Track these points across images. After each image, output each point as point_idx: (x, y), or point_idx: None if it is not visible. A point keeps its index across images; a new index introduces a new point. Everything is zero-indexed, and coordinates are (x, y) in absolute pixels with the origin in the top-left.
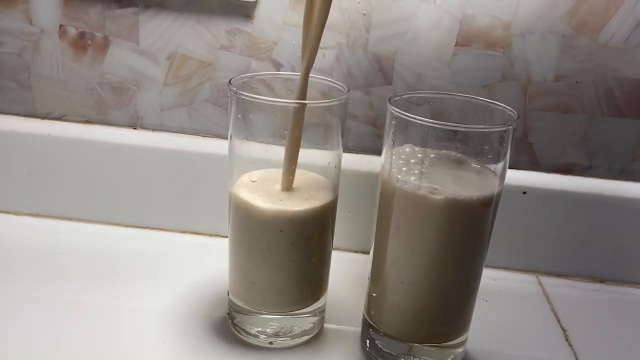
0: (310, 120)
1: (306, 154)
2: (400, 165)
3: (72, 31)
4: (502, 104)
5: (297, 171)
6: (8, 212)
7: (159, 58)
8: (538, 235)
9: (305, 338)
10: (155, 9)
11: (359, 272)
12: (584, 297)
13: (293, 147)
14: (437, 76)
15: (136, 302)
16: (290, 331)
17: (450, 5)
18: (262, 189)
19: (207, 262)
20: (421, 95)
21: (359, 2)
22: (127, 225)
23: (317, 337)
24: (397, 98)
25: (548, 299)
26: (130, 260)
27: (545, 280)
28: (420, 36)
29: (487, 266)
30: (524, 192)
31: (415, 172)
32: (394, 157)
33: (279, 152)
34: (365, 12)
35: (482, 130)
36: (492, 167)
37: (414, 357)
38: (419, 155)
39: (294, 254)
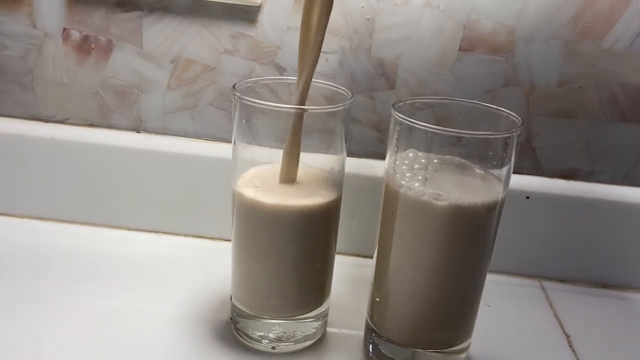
0: (314, 125)
1: (310, 159)
2: (404, 170)
3: (75, 35)
4: (506, 110)
5: (302, 166)
6: (11, 215)
7: (162, 62)
8: (541, 240)
9: (308, 343)
10: (159, 13)
11: (362, 276)
12: (587, 302)
13: (293, 150)
14: (440, 81)
15: (139, 305)
16: (293, 336)
17: (454, 10)
18: (265, 185)
19: (210, 265)
20: (425, 100)
21: (362, 7)
22: (130, 229)
23: (319, 341)
24: (401, 103)
25: (551, 304)
26: (132, 263)
27: (548, 285)
28: (424, 41)
29: (489, 271)
30: (527, 197)
31: (419, 177)
32: (397, 163)
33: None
34: (368, 16)
35: (486, 136)
36: (496, 172)
37: None
38: (423, 161)
39: (297, 256)
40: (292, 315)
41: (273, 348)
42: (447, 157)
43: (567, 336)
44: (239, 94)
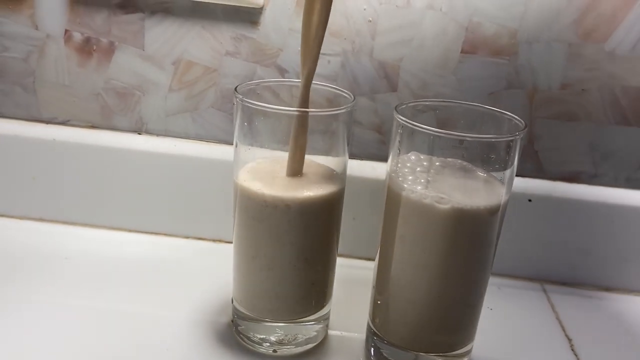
0: (316, 128)
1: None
2: (406, 173)
3: (77, 36)
4: (509, 113)
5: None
6: (12, 217)
7: (164, 64)
8: (543, 243)
9: (310, 346)
10: (161, 15)
11: (363, 279)
12: (590, 305)
13: (298, 143)
14: (443, 83)
15: (140, 307)
16: (294, 339)
17: (457, 12)
18: (267, 177)
19: (211, 267)
20: (427, 103)
21: (364, 9)
22: (131, 231)
23: (321, 344)
24: (404, 106)
25: (553, 307)
26: (133, 265)
27: (550, 288)
28: (426, 43)
29: (492, 274)
30: (530, 200)
31: (422, 181)
32: (399, 166)
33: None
34: (371, 19)
35: (489, 139)
36: (499, 175)
37: None
38: (425, 164)
39: (298, 258)
40: (293, 318)
41: (274, 351)
42: (450, 160)
43: (569, 340)
44: (240, 96)
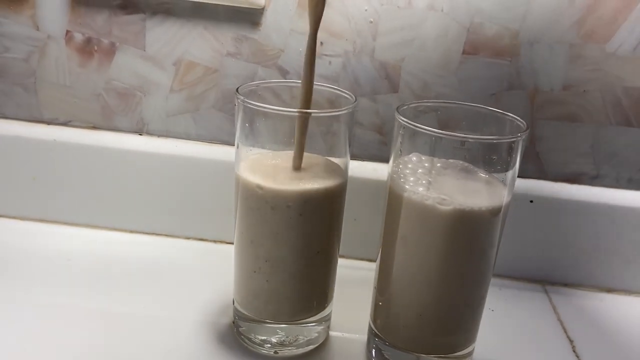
0: (317, 129)
1: None
2: (408, 174)
3: (78, 37)
4: (511, 114)
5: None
6: (13, 217)
7: (165, 64)
8: (545, 244)
9: (311, 347)
10: (162, 16)
11: (365, 280)
12: (591, 307)
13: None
14: (444, 84)
15: (141, 308)
16: (296, 340)
17: (458, 13)
18: (269, 170)
19: (212, 268)
20: (429, 104)
21: (365, 10)
22: (132, 231)
23: (322, 346)
24: (405, 107)
25: (555, 308)
26: (134, 266)
27: (552, 289)
28: (428, 44)
29: (493, 275)
30: (531, 201)
31: (423, 182)
32: (401, 167)
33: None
34: (372, 19)
35: (490, 140)
36: (501, 176)
37: None
38: (427, 165)
39: (299, 258)
40: (294, 320)
41: (275, 352)
42: (451, 161)
43: (571, 341)
44: (242, 97)
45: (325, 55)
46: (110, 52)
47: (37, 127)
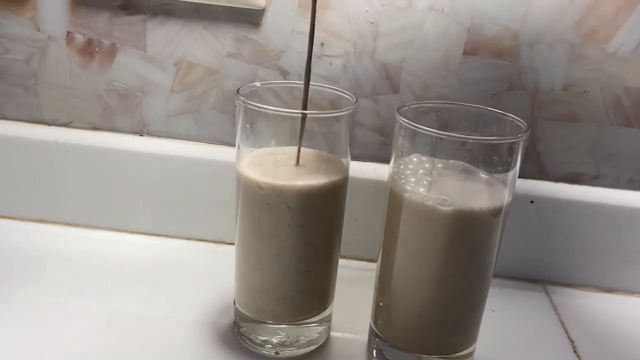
0: (318, 130)
1: None
2: (409, 175)
3: (79, 38)
4: (512, 115)
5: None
6: (14, 218)
7: (166, 65)
8: (545, 245)
9: (312, 348)
10: (163, 17)
11: (366, 280)
12: (592, 307)
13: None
14: (444, 85)
15: (141, 309)
16: (297, 341)
17: (458, 14)
18: (269, 167)
19: (213, 269)
20: (429, 104)
21: (366, 11)
22: (133, 232)
23: (323, 346)
24: (406, 108)
25: (555, 309)
26: (135, 267)
27: (553, 289)
28: (428, 45)
29: (494, 275)
30: (532, 201)
31: (424, 182)
32: (402, 167)
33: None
34: (372, 20)
35: (491, 141)
36: (501, 177)
37: None
38: (427, 166)
39: (300, 259)
40: (295, 320)
41: (276, 353)
42: (452, 161)
43: (572, 342)
44: (243, 98)
45: (326, 56)
46: (111, 53)
47: (38, 128)
